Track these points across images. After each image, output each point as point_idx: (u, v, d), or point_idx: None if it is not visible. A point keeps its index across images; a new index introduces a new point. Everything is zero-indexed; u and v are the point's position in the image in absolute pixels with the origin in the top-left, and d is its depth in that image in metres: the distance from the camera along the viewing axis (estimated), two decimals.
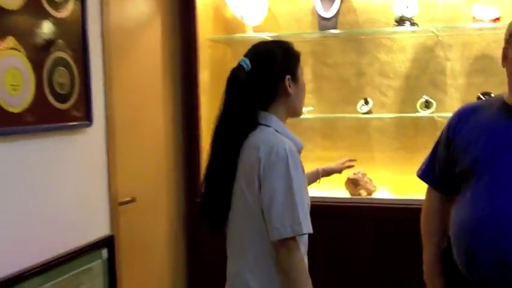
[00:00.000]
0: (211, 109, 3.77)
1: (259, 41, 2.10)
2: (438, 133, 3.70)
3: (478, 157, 1.94)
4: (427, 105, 3.52)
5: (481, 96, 3.41)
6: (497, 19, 3.36)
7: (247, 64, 1.89)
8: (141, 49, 3.27)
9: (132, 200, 3.06)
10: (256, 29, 3.75)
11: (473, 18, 3.42)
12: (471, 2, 3.52)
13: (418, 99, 3.55)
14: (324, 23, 3.63)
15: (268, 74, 1.89)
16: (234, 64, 2.01)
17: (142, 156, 3.25)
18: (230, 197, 1.85)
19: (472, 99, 3.50)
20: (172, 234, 3.64)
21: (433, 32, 3.51)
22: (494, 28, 3.41)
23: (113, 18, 2.86)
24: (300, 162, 1.87)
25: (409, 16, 3.46)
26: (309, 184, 2.19)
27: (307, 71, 3.87)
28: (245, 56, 1.98)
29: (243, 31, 3.78)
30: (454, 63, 3.62)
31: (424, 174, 2.31)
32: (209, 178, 1.94)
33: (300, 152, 1.91)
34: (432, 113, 3.48)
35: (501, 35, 3.58)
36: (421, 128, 3.65)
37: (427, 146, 3.63)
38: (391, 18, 3.56)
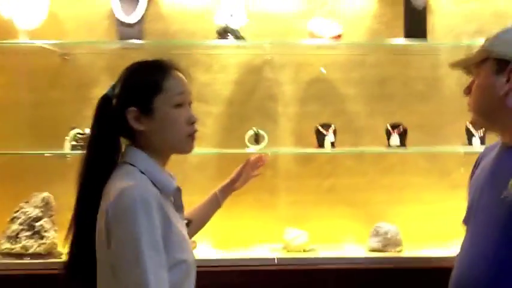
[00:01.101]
0: None
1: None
2: (270, 172, 3.53)
3: (469, 205, 1.88)
4: (256, 138, 3.22)
5: (320, 129, 3.22)
6: (339, 36, 3.11)
7: (111, 90, 1.79)
8: None
9: None
10: (33, 35, 3.11)
11: (311, 33, 3.14)
12: (309, 15, 3.27)
13: (244, 130, 3.20)
14: (125, 31, 3.09)
15: (117, 104, 1.76)
16: None
17: None
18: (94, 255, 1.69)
19: (307, 131, 3.29)
20: None
21: (265, 49, 3.20)
22: (334, 47, 3.24)
23: None
24: (163, 208, 1.65)
25: (234, 28, 3.07)
26: (212, 214, 2.28)
27: (100, 91, 3.34)
28: None
29: (15, 36, 3.12)
30: (286, 88, 3.34)
31: (464, 219, 2.04)
32: (73, 231, 1.79)
33: (171, 194, 1.77)
34: (263, 148, 3.16)
35: (342, 56, 3.35)
36: None
37: (258, 187, 3.37)
38: (211, 30, 3.15)
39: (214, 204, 2.29)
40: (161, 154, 1.79)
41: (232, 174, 2.38)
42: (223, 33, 3.11)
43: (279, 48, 3.26)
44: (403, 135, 3.18)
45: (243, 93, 3.35)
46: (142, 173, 1.70)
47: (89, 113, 3.30)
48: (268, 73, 3.34)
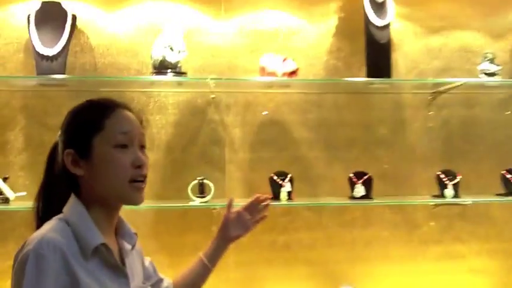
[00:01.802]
0: None
1: None
2: (215, 227, 3.17)
3: None
4: (201, 189, 2.87)
5: (275, 178, 2.86)
6: (294, 73, 2.81)
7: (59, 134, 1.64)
8: None
9: None
10: None
11: (262, 70, 2.83)
12: (259, 49, 3.02)
13: (187, 180, 2.85)
14: (44, 65, 2.68)
15: (61, 149, 1.61)
16: None
17: None
18: None
19: (259, 180, 2.95)
20: None
21: (209, 87, 2.86)
22: (289, 85, 2.95)
23: None
24: (72, 268, 1.47)
25: (173, 61, 2.74)
26: (201, 279, 1.94)
27: (15, 134, 2.98)
28: None
29: None
30: (234, 131, 3.03)
31: None
32: None
33: (93, 251, 1.53)
34: (209, 200, 2.80)
35: (297, 95, 3.04)
36: (193, 222, 2.94)
37: (199, 245, 3.05)
38: (147, 64, 2.85)
39: (200, 268, 1.95)
40: (105, 204, 1.60)
41: (219, 225, 2.00)
42: (160, 67, 2.76)
43: (225, 85, 2.95)
44: (368, 185, 2.90)
45: (184, 137, 3.01)
46: (69, 225, 1.54)
47: (2, 160, 2.96)
48: (214, 114, 3.02)
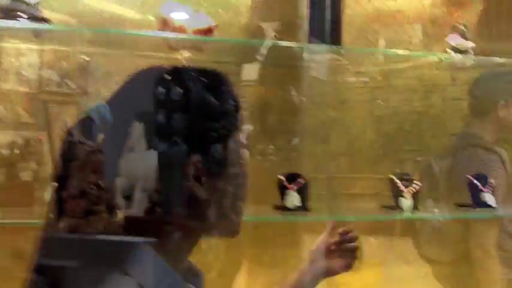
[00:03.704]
0: None
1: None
2: None
3: None
4: None
5: None
6: (210, 31, 2.02)
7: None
8: None
9: None
10: None
11: (164, 22, 1.98)
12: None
13: None
14: None
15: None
16: None
17: None
18: None
19: None
20: None
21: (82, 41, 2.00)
22: (200, 48, 2.15)
23: None
24: None
25: (29, 1, 1.83)
26: None
27: None
28: None
29: None
30: None
31: None
32: None
33: None
34: None
35: (210, 64, 2.39)
36: None
37: None
38: None
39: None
40: (192, 239, 1.12)
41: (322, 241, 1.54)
42: (7, 11, 1.86)
43: (106, 43, 2.11)
44: (304, 193, 2.16)
45: None
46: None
47: None
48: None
